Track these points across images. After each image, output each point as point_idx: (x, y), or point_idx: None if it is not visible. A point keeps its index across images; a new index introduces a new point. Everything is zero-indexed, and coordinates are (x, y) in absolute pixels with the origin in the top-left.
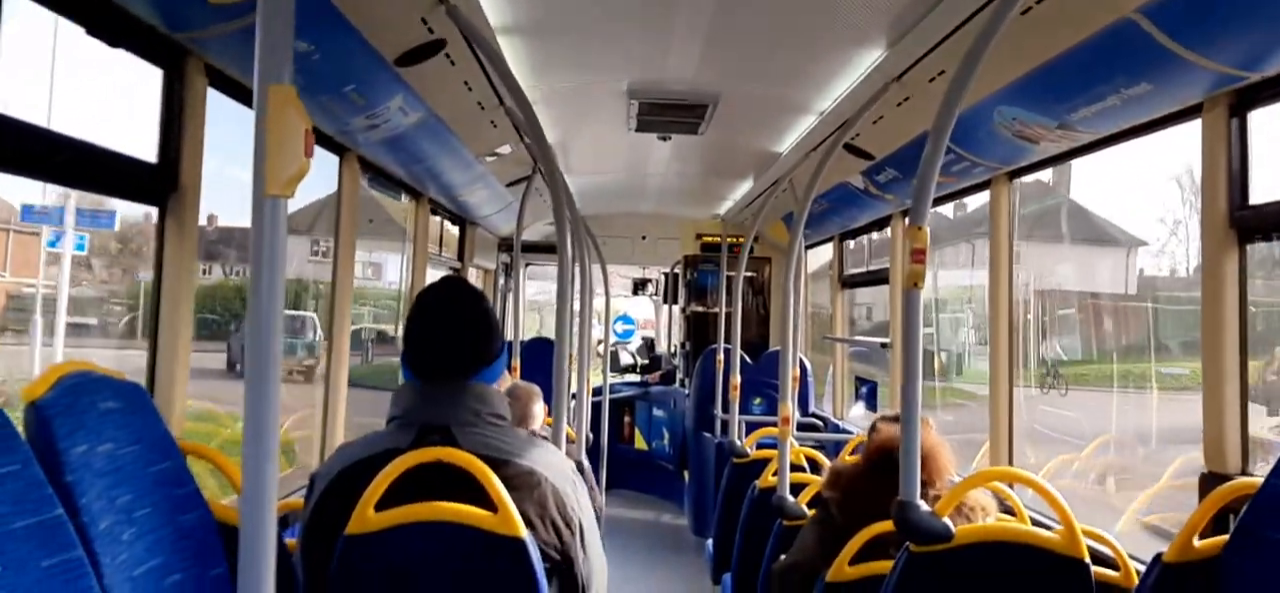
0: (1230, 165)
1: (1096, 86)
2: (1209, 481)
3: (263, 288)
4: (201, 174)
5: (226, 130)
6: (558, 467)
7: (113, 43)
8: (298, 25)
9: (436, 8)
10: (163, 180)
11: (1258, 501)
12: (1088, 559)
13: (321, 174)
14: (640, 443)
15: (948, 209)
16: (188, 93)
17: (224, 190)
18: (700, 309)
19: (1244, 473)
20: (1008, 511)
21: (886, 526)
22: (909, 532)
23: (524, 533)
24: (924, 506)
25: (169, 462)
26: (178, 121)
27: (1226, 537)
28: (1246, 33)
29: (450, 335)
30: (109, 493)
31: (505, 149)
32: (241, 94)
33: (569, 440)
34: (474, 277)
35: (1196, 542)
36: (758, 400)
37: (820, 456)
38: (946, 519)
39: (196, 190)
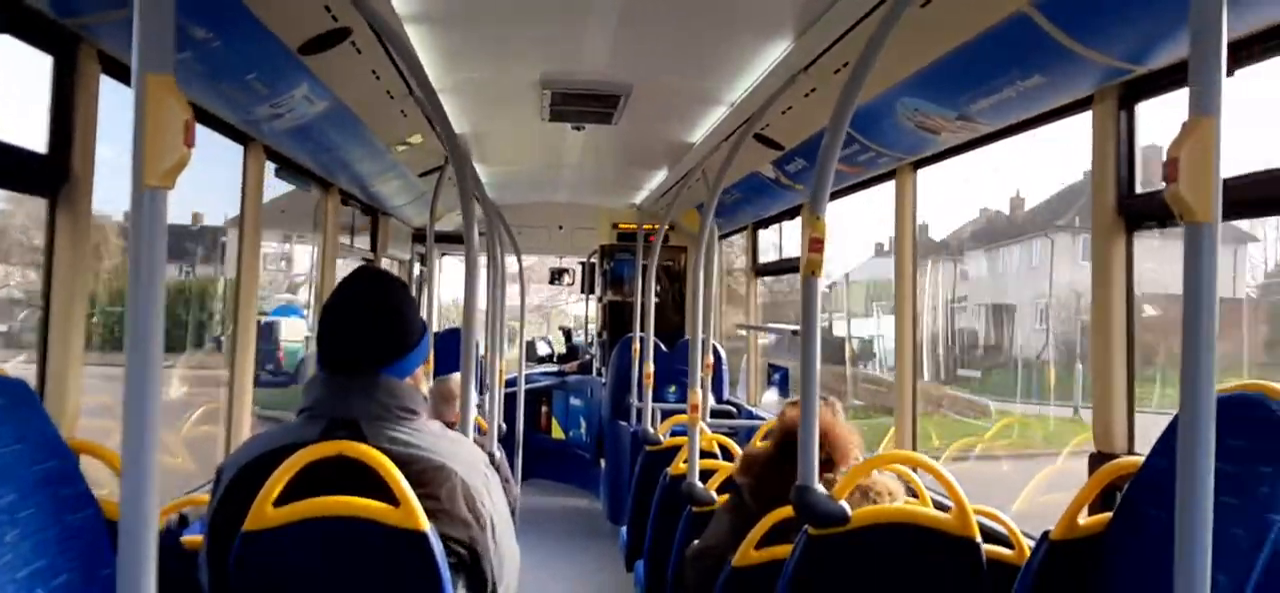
0: (1119, 156)
1: (993, 79)
2: (1097, 460)
3: (143, 281)
4: (94, 164)
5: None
6: (467, 459)
7: (0, 29)
8: (194, 13)
9: None
10: (52, 171)
11: (1139, 478)
12: (978, 538)
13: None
14: (557, 432)
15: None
16: (79, 80)
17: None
18: (617, 298)
19: (1130, 453)
20: (914, 494)
21: (790, 510)
22: (807, 514)
23: (426, 526)
24: (821, 489)
25: (55, 461)
26: (68, 110)
27: (1111, 514)
28: (1133, 27)
29: (361, 327)
30: None
31: (417, 138)
32: None
33: (481, 432)
34: (387, 267)
35: (1082, 519)
36: (672, 388)
37: (732, 443)
38: (844, 502)
39: (89, 181)
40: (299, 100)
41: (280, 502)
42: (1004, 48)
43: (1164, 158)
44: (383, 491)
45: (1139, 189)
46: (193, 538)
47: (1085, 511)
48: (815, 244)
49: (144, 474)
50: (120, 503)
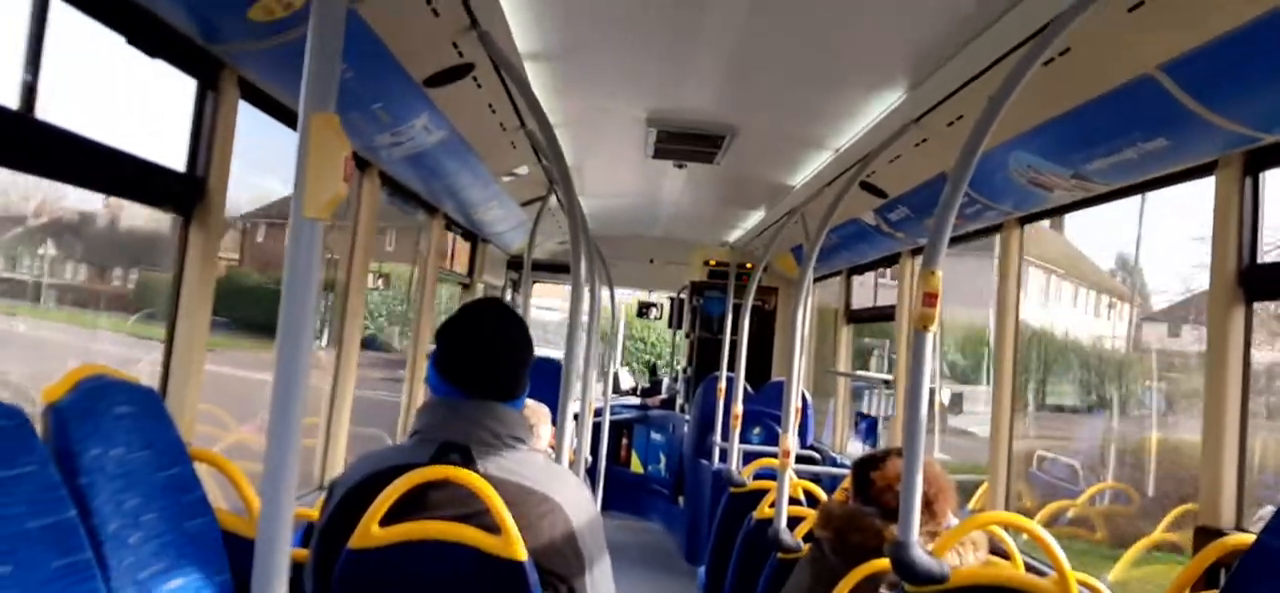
0: (1241, 224)
1: (1114, 139)
2: (1202, 535)
3: (296, 305)
4: (227, 185)
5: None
6: (573, 495)
7: (152, 53)
8: None
9: (468, 33)
10: (189, 190)
11: (1249, 557)
12: None
13: None
14: (637, 466)
15: None
16: (221, 105)
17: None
18: (705, 335)
19: (1239, 529)
20: (1001, 553)
21: (881, 565)
22: (905, 572)
23: (524, 557)
24: (920, 547)
25: (177, 467)
26: (208, 132)
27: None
28: (1264, 94)
29: (485, 358)
30: (118, 497)
31: (522, 170)
32: (272, 107)
33: (569, 461)
34: (481, 292)
35: None
36: (757, 430)
37: (817, 489)
38: (943, 561)
39: (222, 201)
40: (418, 130)
41: (387, 522)
42: (1127, 109)
43: None
44: (486, 518)
45: (1261, 258)
46: (297, 551)
47: (1189, 589)
48: (929, 298)
49: (283, 491)
50: (258, 517)
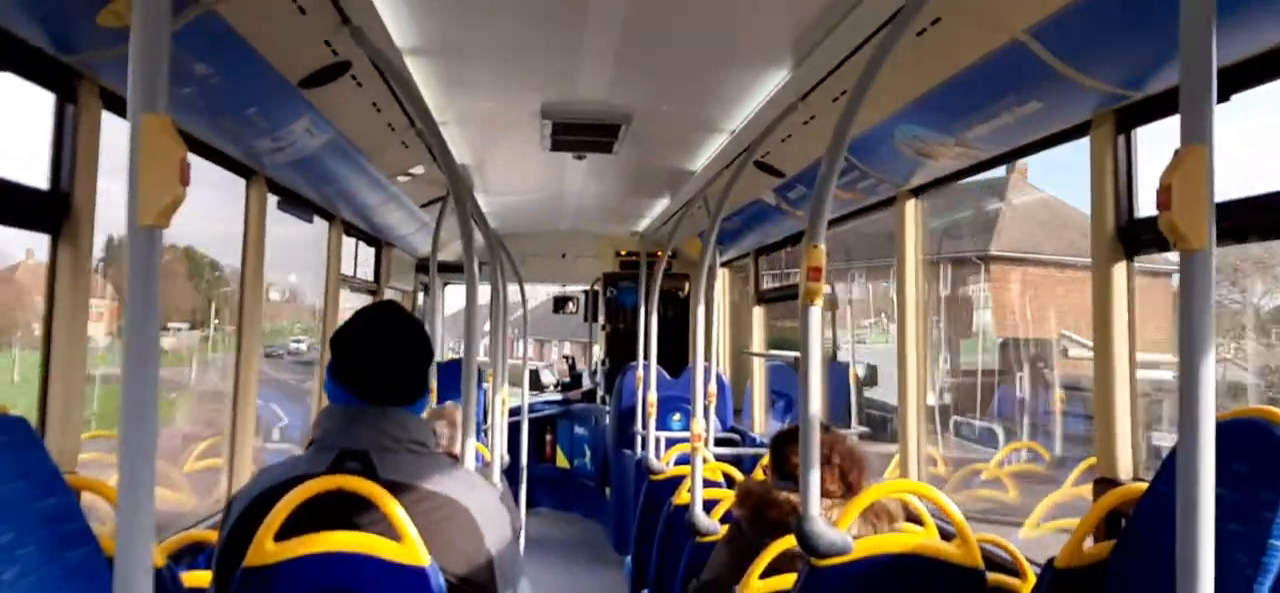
0: (1117, 181)
1: (990, 105)
2: (1101, 485)
3: (138, 319)
4: (96, 200)
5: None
6: (478, 495)
7: (2, 67)
8: (195, 49)
9: (340, 30)
10: (54, 208)
11: (1143, 504)
12: (982, 567)
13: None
14: (562, 461)
15: None
16: (81, 117)
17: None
18: (620, 326)
19: (1137, 479)
20: (916, 519)
21: (793, 541)
22: (809, 546)
23: (427, 562)
24: (822, 519)
25: (55, 498)
26: (71, 146)
27: (1114, 541)
28: (1127, 53)
29: (379, 362)
30: None
31: (418, 169)
32: None
33: (485, 462)
34: (390, 297)
35: (1087, 546)
36: (677, 417)
37: (736, 471)
38: (846, 532)
39: (91, 217)
40: (300, 134)
41: (284, 535)
42: (1000, 75)
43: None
44: (389, 525)
45: (1139, 214)
46: (195, 574)
47: (1091, 538)
48: (813, 273)
49: (141, 512)
50: (116, 540)
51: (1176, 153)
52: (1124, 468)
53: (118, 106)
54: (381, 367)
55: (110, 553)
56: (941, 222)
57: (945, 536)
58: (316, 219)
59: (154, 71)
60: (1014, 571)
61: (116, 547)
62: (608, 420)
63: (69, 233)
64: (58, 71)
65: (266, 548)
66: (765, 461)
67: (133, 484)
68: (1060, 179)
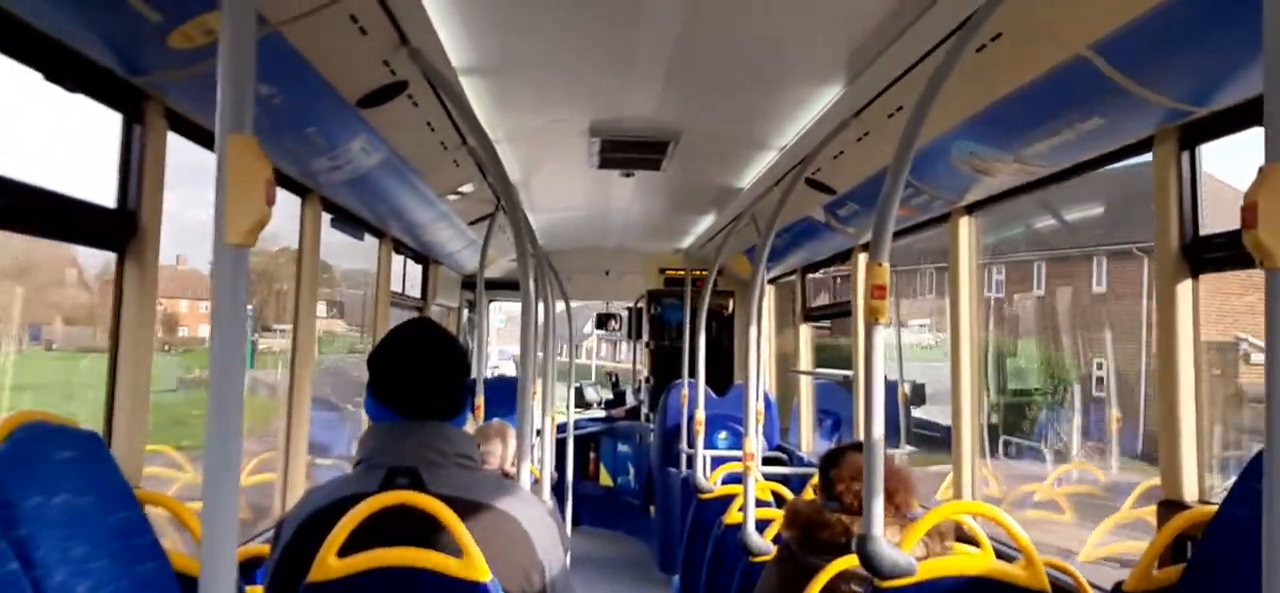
0: (1181, 197)
1: (1051, 121)
2: (1166, 508)
3: (225, 337)
4: (161, 218)
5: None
6: (529, 510)
7: (72, 88)
8: (259, 70)
9: (398, 50)
10: (121, 226)
11: (1213, 527)
12: (1050, 590)
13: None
14: (605, 479)
15: None
16: (148, 137)
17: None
18: (664, 344)
19: (1202, 501)
20: (971, 540)
21: (850, 561)
22: (872, 566)
23: (489, 578)
24: (886, 540)
25: (126, 511)
26: (137, 166)
27: (1184, 565)
28: (1192, 68)
29: (425, 377)
30: (64, 545)
31: (468, 188)
32: (204, 137)
33: (535, 480)
34: (436, 314)
35: (1155, 571)
36: (723, 435)
37: (785, 490)
38: (910, 554)
39: (156, 235)
40: (356, 152)
41: (343, 553)
42: (1062, 91)
43: (1241, 203)
44: (443, 540)
45: (1203, 231)
46: (253, 589)
47: (1156, 562)
48: (877, 291)
49: (225, 527)
50: (201, 553)
51: (1261, 170)
52: (1189, 490)
53: (182, 127)
54: (422, 382)
55: (178, 568)
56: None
57: (1001, 556)
58: (367, 236)
59: (240, 94)
60: None
61: (201, 563)
62: (652, 438)
63: (135, 250)
64: (126, 92)
65: (330, 564)
66: (814, 481)
67: (217, 502)
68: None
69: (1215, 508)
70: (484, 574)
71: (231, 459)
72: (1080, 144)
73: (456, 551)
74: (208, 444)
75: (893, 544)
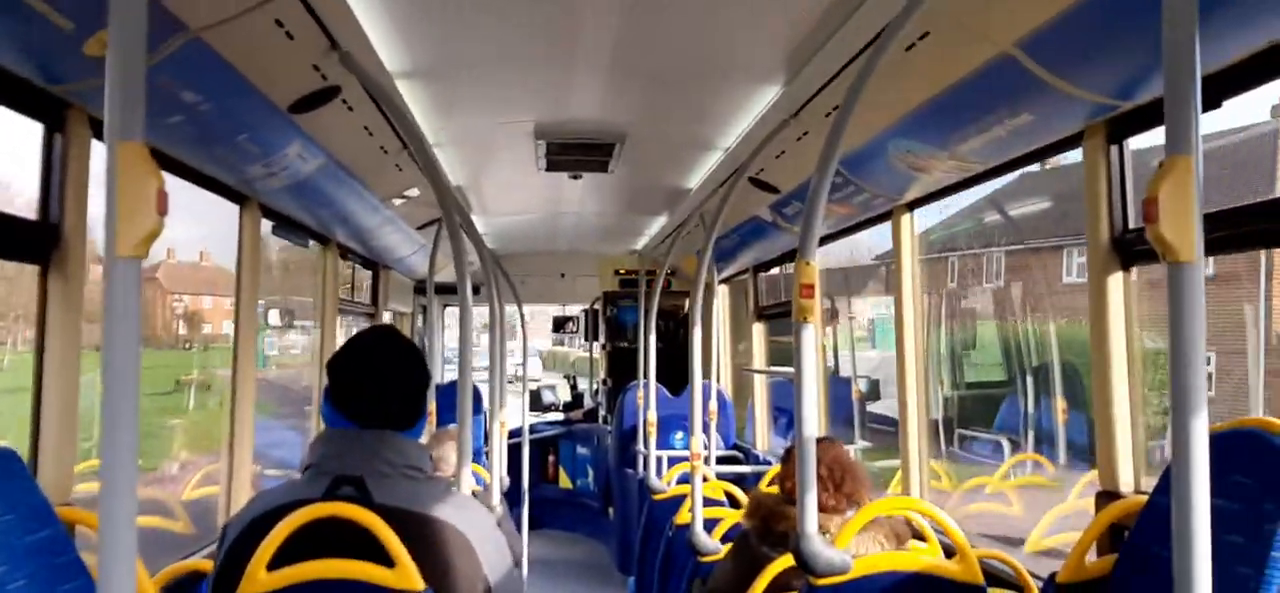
0: (1110, 190)
1: (982, 118)
2: (1104, 499)
3: (118, 350)
4: (86, 229)
5: None
6: (475, 520)
7: None
8: (184, 77)
9: (329, 55)
10: (44, 238)
11: (1144, 517)
12: (984, 584)
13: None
14: (565, 481)
15: None
16: (70, 146)
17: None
18: (621, 345)
19: (1138, 492)
20: (920, 536)
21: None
22: (807, 565)
23: (421, 586)
24: (820, 538)
25: (46, 530)
26: (60, 176)
27: (1117, 556)
28: (1115, 64)
29: (375, 386)
30: None
31: (414, 192)
32: None
33: (485, 484)
34: (388, 320)
35: (1091, 560)
36: (679, 435)
37: (738, 490)
38: (845, 552)
39: (81, 245)
40: (292, 159)
41: (278, 563)
42: (991, 88)
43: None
44: (375, 550)
45: (1132, 224)
46: None
47: (1094, 551)
48: (806, 290)
49: (124, 549)
50: (98, 570)
51: (1161, 164)
52: (1125, 481)
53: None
54: (378, 391)
55: None
56: None
57: (948, 552)
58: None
59: (129, 98)
60: (1016, 586)
61: (98, 576)
62: (610, 440)
63: (58, 262)
64: (45, 102)
65: (259, 578)
66: (773, 472)
67: (114, 515)
68: None
69: (1145, 498)
70: (416, 585)
71: (127, 473)
72: (1012, 140)
73: (391, 562)
74: (103, 459)
75: (829, 541)
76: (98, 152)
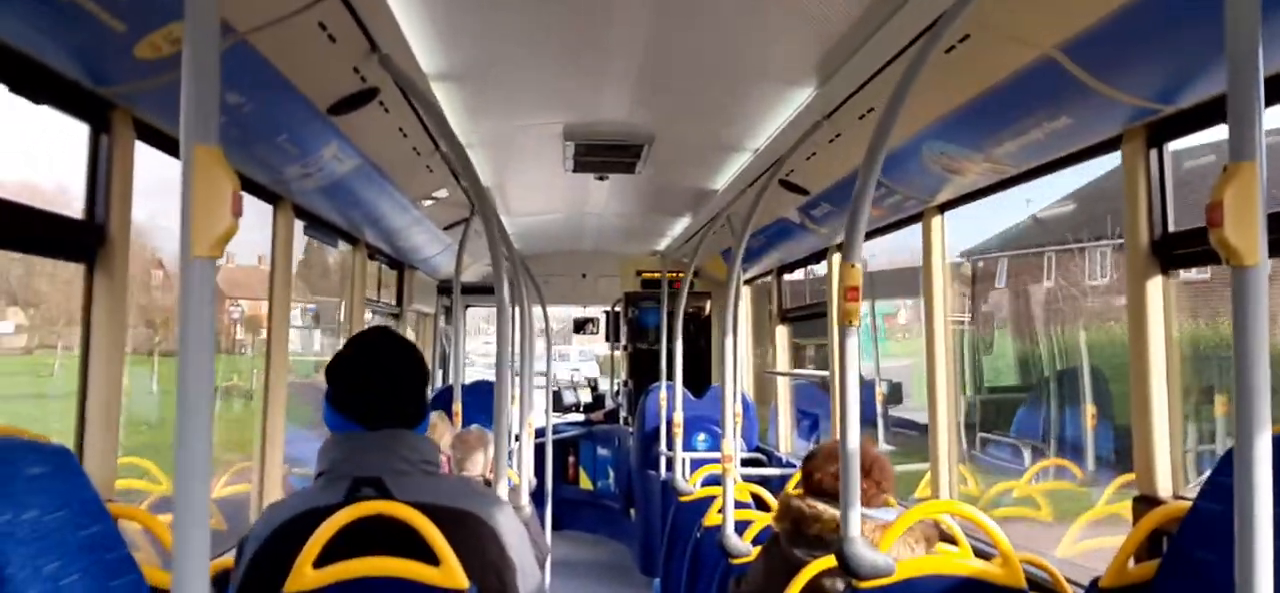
0: (1150, 194)
1: (1020, 121)
2: (1141, 504)
3: (192, 353)
4: (130, 229)
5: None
6: (499, 513)
7: (37, 100)
8: (227, 79)
9: (369, 57)
10: (90, 238)
11: (1188, 522)
12: (1026, 588)
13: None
14: (585, 482)
15: None
16: (116, 147)
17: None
18: (642, 346)
19: (1177, 497)
20: (950, 540)
21: (831, 560)
22: (851, 568)
23: (467, 584)
24: (863, 541)
25: (97, 526)
26: (105, 176)
27: (1159, 560)
28: (1160, 67)
29: (387, 385)
30: (35, 562)
31: (442, 193)
32: (173, 147)
33: (512, 485)
34: (412, 320)
35: (1131, 565)
36: (701, 437)
37: (765, 492)
38: (889, 554)
39: (125, 246)
40: (328, 160)
41: (317, 565)
42: (1030, 91)
43: (1207, 201)
44: (409, 547)
45: (1172, 228)
46: None
47: (1132, 558)
48: (851, 292)
49: (194, 542)
50: (173, 572)
51: (1226, 169)
52: (1163, 486)
53: (151, 137)
54: (385, 390)
55: (152, 582)
56: None
57: (980, 554)
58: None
59: (206, 104)
60: (1052, 590)
61: (174, 576)
62: (631, 441)
63: (104, 262)
64: (92, 103)
65: (306, 575)
66: (796, 478)
67: (187, 514)
68: None
69: (1189, 503)
70: (462, 582)
71: (201, 470)
72: (1049, 143)
73: (431, 558)
74: (177, 455)
75: (870, 544)
76: (142, 153)
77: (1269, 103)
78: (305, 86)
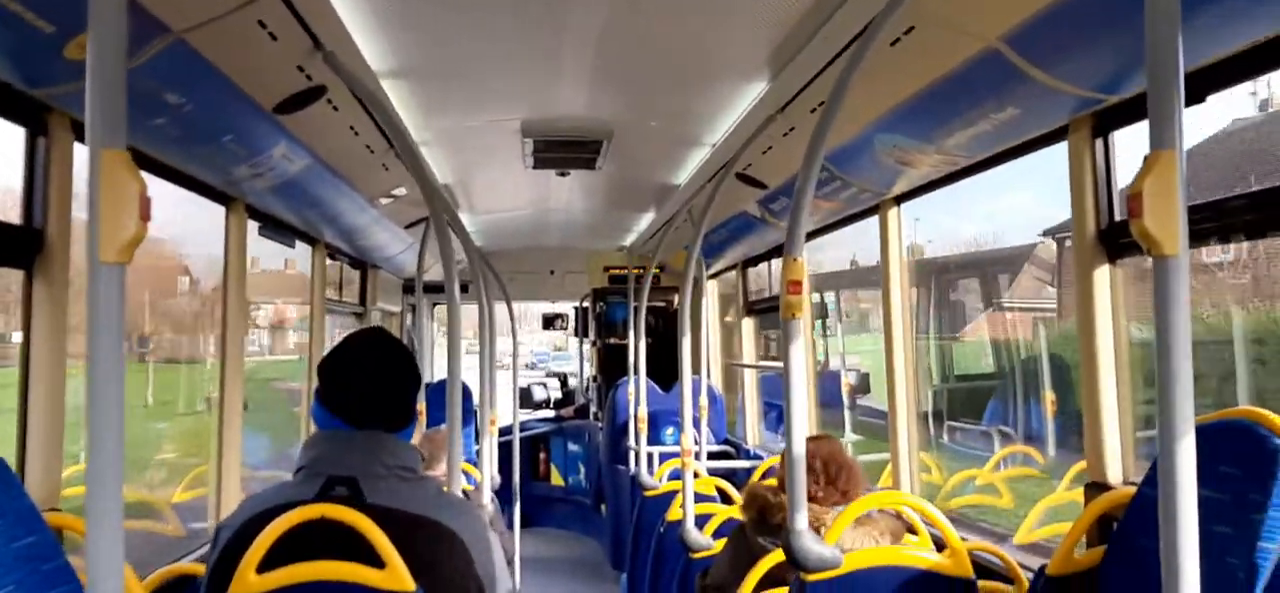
0: (1096, 184)
1: (968, 112)
2: (1092, 490)
3: (102, 357)
4: (70, 233)
5: None
6: (465, 520)
7: None
8: (166, 78)
9: (313, 55)
10: (28, 243)
11: (1132, 508)
12: (974, 576)
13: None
14: (557, 479)
15: None
16: (53, 150)
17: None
18: (611, 341)
19: (1128, 483)
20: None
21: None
22: (798, 561)
23: (412, 587)
24: (810, 534)
25: (33, 536)
26: (43, 180)
27: (1104, 547)
28: (1100, 58)
29: (367, 386)
30: None
31: (401, 191)
32: None
33: (477, 483)
34: (377, 319)
35: (1080, 552)
36: (670, 431)
37: (730, 486)
38: (835, 546)
39: (66, 250)
40: (278, 159)
41: (270, 565)
42: (977, 82)
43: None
44: (365, 551)
45: (1118, 217)
46: None
47: (1083, 542)
48: (793, 286)
49: (111, 553)
50: (87, 574)
51: (1146, 158)
52: (1113, 472)
53: None
54: (370, 392)
55: None
56: None
57: (939, 547)
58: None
59: (111, 106)
60: (1007, 578)
61: (87, 582)
62: (601, 437)
63: (43, 267)
64: (27, 106)
65: (249, 580)
66: (765, 466)
67: (100, 520)
68: None
69: (1134, 489)
70: (407, 586)
71: (113, 475)
72: (998, 134)
73: (382, 563)
74: (89, 463)
75: (819, 537)
76: (81, 155)
77: (1192, 100)
78: (248, 86)
